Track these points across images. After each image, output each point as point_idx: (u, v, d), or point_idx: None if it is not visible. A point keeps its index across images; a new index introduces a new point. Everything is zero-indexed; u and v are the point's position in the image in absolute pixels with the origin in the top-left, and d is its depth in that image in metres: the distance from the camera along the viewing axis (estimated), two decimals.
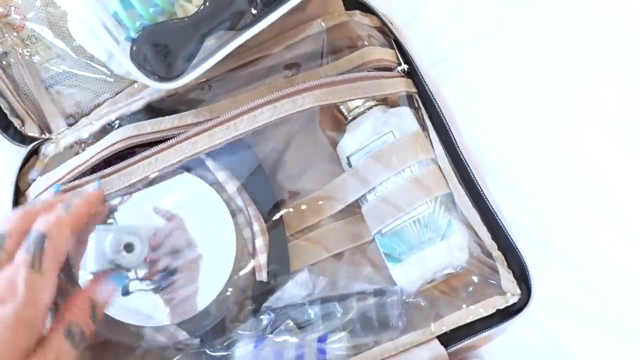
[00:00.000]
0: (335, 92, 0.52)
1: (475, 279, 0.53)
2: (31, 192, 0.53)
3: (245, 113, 0.51)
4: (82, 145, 0.55)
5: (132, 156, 0.53)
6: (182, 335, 0.53)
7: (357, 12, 0.57)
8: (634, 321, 0.55)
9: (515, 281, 0.50)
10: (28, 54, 0.58)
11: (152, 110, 0.56)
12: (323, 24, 0.56)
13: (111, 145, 0.52)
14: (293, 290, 0.54)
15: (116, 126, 0.56)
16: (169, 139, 0.52)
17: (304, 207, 0.57)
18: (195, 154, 0.51)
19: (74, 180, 0.52)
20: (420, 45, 0.58)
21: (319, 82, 0.52)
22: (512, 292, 0.50)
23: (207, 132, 0.51)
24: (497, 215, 0.51)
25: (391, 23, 0.57)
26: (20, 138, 0.58)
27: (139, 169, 0.52)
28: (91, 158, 0.52)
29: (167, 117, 0.53)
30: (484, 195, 0.51)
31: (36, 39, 0.57)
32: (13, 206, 0.53)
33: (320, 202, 0.56)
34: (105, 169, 0.52)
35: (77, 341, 0.41)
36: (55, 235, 0.42)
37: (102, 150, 0.52)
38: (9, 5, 0.56)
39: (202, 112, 0.53)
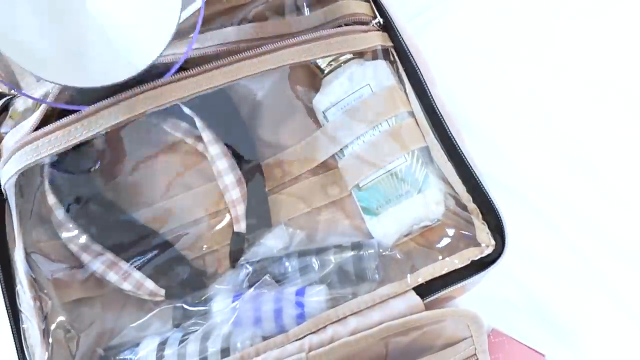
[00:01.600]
0: (309, 50, 0.51)
1: (450, 231, 0.54)
2: (5, 145, 0.51)
3: (218, 68, 0.49)
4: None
5: None
6: (150, 284, 0.54)
7: None
8: (607, 273, 0.56)
9: (489, 232, 0.51)
10: None
11: None
12: None
13: None
14: (270, 243, 0.54)
15: None
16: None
17: (281, 161, 0.57)
18: (171, 102, 0.49)
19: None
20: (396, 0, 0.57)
21: (292, 41, 0.51)
22: (486, 244, 0.51)
23: (177, 82, 0.49)
24: (472, 168, 0.51)
25: None
26: None
27: (104, 117, 0.48)
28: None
29: None
30: (459, 148, 0.51)
31: None
32: None
33: (298, 157, 0.57)
34: None
35: None
36: None
37: None
38: None
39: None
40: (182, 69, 0.49)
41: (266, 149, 0.58)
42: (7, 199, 0.52)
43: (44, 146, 0.48)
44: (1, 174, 0.51)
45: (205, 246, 0.57)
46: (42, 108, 0.49)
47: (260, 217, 0.55)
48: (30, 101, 0.53)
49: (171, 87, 0.48)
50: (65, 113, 0.49)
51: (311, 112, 0.57)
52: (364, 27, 0.54)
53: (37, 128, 0.49)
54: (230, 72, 0.49)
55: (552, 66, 0.57)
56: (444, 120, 0.52)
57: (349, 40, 0.52)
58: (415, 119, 0.54)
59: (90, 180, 0.55)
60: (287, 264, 0.53)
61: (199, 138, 0.56)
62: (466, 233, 0.53)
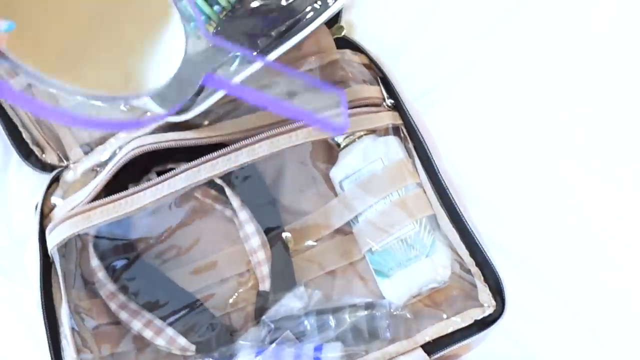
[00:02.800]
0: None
1: (455, 292, 0.59)
2: (55, 215, 0.57)
3: (245, 147, 0.56)
4: (99, 169, 0.60)
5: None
6: (182, 340, 0.58)
7: (348, 51, 0.63)
8: (602, 333, 0.59)
9: (490, 294, 0.56)
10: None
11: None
12: (317, 61, 0.62)
13: (128, 152, 0.56)
14: (290, 303, 0.59)
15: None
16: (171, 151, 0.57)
17: (300, 228, 0.62)
18: (199, 182, 0.55)
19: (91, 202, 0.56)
20: (404, 81, 0.63)
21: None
22: (488, 304, 0.56)
23: (209, 162, 0.55)
24: (475, 235, 0.56)
25: (378, 60, 0.62)
26: (41, 165, 0.62)
27: (147, 195, 0.55)
28: (107, 173, 0.56)
29: (190, 131, 0.58)
30: (463, 216, 0.57)
31: None
32: (39, 229, 0.57)
33: (316, 224, 0.62)
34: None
35: None
36: None
37: (117, 162, 0.56)
38: None
39: (205, 130, 0.58)
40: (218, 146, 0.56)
41: (287, 214, 0.63)
42: (53, 261, 0.58)
43: (96, 216, 0.54)
44: (49, 239, 0.57)
45: (232, 304, 0.61)
46: (97, 185, 0.56)
47: (284, 277, 0.60)
48: (79, 173, 0.60)
49: (208, 165, 0.55)
50: (112, 190, 0.56)
51: (329, 182, 0.63)
52: (375, 109, 0.60)
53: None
54: (258, 149, 0.56)
55: (548, 140, 0.62)
56: (448, 190, 0.58)
57: (363, 120, 0.59)
58: (423, 190, 0.60)
59: (129, 244, 0.61)
60: (306, 322, 0.58)
61: (227, 204, 0.62)
62: (470, 294, 0.58)
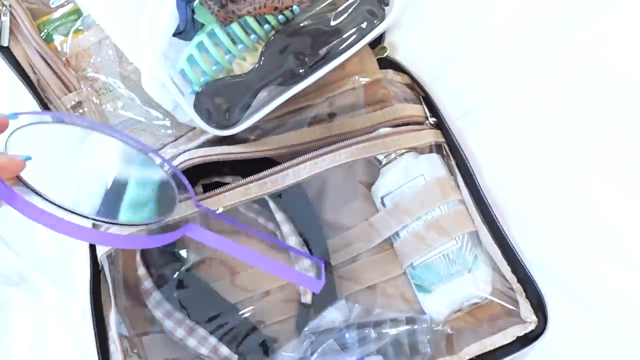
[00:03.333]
0: (371, 147, 0.59)
1: (497, 309, 0.60)
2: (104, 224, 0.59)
3: (291, 167, 0.58)
4: None
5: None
6: (224, 350, 0.59)
7: (390, 70, 0.65)
8: None
9: (532, 310, 0.57)
10: (100, 102, 0.65)
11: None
12: (360, 80, 0.64)
13: (180, 164, 0.57)
14: (332, 316, 0.60)
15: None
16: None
17: (342, 242, 0.64)
18: (245, 200, 0.58)
19: None
20: (447, 100, 0.64)
21: (359, 139, 0.59)
22: (530, 321, 0.56)
23: (257, 182, 0.58)
24: (516, 251, 0.57)
25: (421, 80, 0.64)
26: None
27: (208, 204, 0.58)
28: None
29: (238, 145, 0.59)
30: (505, 233, 0.58)
31: (107, 89, 0.65)
32: (90, 250, 0.59)
33: (357, 239, 0.63)
34: None
35: None
36: None
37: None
38: (87, 61, 0.64)
39: (251, 145, 0.60)
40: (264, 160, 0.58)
41: (329, 228, 0.65)
42: (102, 268, 0.59)
43: None
44: (99, 246, 0.58)
45: (273, 316, 0.63)
46: None
47: (326, 290, 0.61)
48: None
49: (256, 185, 0.58)
50: None
51: (369, 198, 0.64)
52: (418, 127, 0.62)
53: None
54: (302, 171, 0.58)
55: (588, 160, 0.62)
56: (490, 207, 0.59)
57: (406, 139, 0.60)
58: (465, 206, 0.61)
59: (175, 254, 0.63)
60: (347, 335, 0.59)
61: (271, 217, 0.63)
62: (511, 310, 0.58)
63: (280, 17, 0.57)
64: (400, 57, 0.66)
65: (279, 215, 0.62)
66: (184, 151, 0.60)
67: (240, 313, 0.61)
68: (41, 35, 0.64)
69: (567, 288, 0.60)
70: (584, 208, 0.62)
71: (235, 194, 0.57)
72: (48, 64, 0.63)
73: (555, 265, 0.60)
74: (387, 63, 0.65)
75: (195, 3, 0.57)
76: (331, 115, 0.64)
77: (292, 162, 0.58)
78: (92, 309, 0.57)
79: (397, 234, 0.61)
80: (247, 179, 0.57)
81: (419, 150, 0.62)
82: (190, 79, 0.57)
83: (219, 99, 0.57)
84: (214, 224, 0.64)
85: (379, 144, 0.59)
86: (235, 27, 0.57)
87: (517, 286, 0.57)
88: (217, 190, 0.57)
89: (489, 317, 0.60)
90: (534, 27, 0.64)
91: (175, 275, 0.61)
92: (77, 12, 0.64)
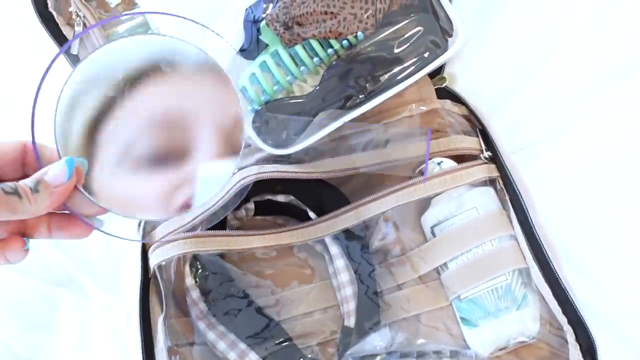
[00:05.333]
0: (430, 187, 0.61)
1: (545, 350, 0.58)
2: (157, 233, 0.60)
3: (355, 208, 0.62)
4: None
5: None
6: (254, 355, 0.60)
7: (448, 101, 0.65)
8: None
9: (582, 355, 0.55)
10: None
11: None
12: (418, 108, 0.64)
13: (236, 183, 0.58)
14: (374, 341, 0.60)
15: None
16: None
17: (389, 268, 0.64)
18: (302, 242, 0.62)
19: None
20: (503, 134, 0.64)
21: (409, 183, 0.61)
22: None
23: (313, 226, 0.62)
24: (568, 292, 0.56)
25: (478, 112, 0.64)
26: None
27: (256, 242, 0.61)
28: (216, 203, 0.58)
29: (292, 165, 0.60)
30: (556, 272, 0.57)
31: None
32: (141, 258, 0.61)
33: (405, 266, 0.63)
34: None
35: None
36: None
37: (226, 193, 0.58)
38: None
39: (305, 166, 0.60)
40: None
41: (378, 253, 0.65)
42: (152, 276, 0.60)
43: (209, 244, 0.59)
44: (153, 256, 0.59)
45: (316, 337, 0.63)
46: (204, 213, 0.59)
47: (370, 315, 0.61)
48: None
49: (311, 229, 0.62)
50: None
51: (418, 227, 0.64)
52: (471, 163, 0.62)
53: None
54: (364, 211, 0.62)
55: None
56: (542, 244, 0.58)
57: (461, 176, 0.61)
58: (517, 242, 0.60)
59: (223, 266, 0.63)
60: None
61: (320, 239, 0.63)
62: (560, 353, 0.57)
63: (344, 42, 0.57)
64: (459, 89, 0.66)
65: (328, 237, 0.62)
66: (240, 168, 0.61)
67: (282, 331, 0.61)
68: None
69: (619, 334, 0.59)
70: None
71: (295, 235, 0.62)
72: None
73: (608, 309, 0.59)
74: (445, 93, 0.65)
75: (262, 24, 0.58)
76: (386, 142, 0.64)
77: (359, 202, 0.62)
78: (140, 317, 0.58)
79: (445, 265, 0.61)
80: (305, 224, 0.62)
81: (472, 182, 0.62)
82: (251, 97, 0.58)
83: (277, 117, 0.57)
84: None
85: (437, 183, 0.60)
86: (299, 49, 0.58)
87: (567, 328, 0.56)
88: (278, 230, 0.62)
89: (535, 358, 0.59)
90: (596, 66, 0.64)
91: (220, 288, 0.61)
92: (144, 26, 0.66)
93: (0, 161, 0.40)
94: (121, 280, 0.63)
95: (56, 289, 0.68)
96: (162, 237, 0.59)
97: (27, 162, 0.42)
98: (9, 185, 0.37)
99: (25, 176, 0.39)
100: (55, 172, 0.39)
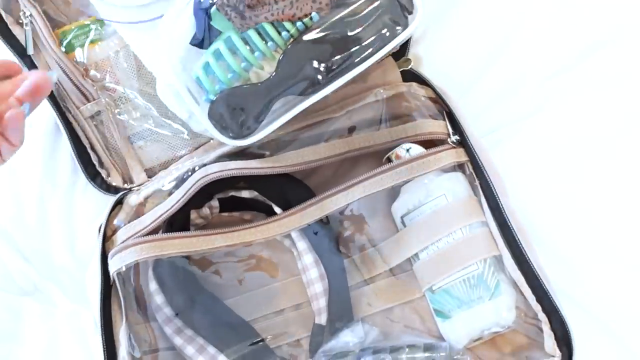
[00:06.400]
0: (395, 175, 0.58)
1: (520, 338, 0.56)
2: (117, 238, 0.58)
3: (322, 200, 0.59)
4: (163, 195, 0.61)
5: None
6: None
7: (414, 84, 0.62)
8: None
9: (557, 343, 0.53)
10: (118, 112, 0.64)
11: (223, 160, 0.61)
12: (383, 92, 0.61)
13: (196, 182, 0.57)
14: (346, 338, 0.58)
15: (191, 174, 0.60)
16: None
17: (359, 262, 0.61)
18: (267, 238, 0.58)
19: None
20: (472, 117, 0.62)
21: (382, 169, 0.58)
22: (552, 353, 0.53)
23: (278, 221, 0.59)
24: (542, 279, 0.54)
25: (445, 95, 0.61)
26: (106, 187, 0.64)
27: (219, 240, 0.58)
28: (175, 203, 0.57)
29: (254, 160, 0.58)
30: (529, 259, 0.54)
31: (126, 99, 0.64)
32: (101, 250, 0.58)
33: (375, 258, 0.61)
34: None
35: None
36: None
37: (185, 193, 0.57)
38: (105, 71, 0.64)
39: (268, 161, 0.58)
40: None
41: (344, 245, 0.63)
42: (113, 284, 0.58)
43: (168, 247, 0.56)
44: (112, 262, 0.57)
45: (287, 336, 0.61)
46: (164, 214, 0.57)
47: (341, 311, 0.59)
48: (142, 196, 0.60)
49: (276, 225, 0.59)
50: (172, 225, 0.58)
51: (389, 216, 0.62)
52: (438, 149, 0.59)
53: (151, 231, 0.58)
54: (329, 203, 0.59)
55: (621, 184, 0.59)
56: (514, 231, 0.55)
57: (429, 162, 0.58)
58: (489, 229, 0.57)
59: (188, 270, 0.61)
60: (362, 359, 0.56)
61: (287, 234, 0.61)
62: (534, 341, 0.55)
63: (299, 24, 0.55)
64: (426, 71, 0.63)
65: (295, 232, 0.60)
66: (201, 165, 0.59)
67: (252, 331, 0.60)
68: (62, 44, 0.63)
69: (595, 320, 0.57)
70: (615, 235, 0.58)
71: (259, 231, 0.58)
72: (67, 74, 0.63)
73: (583, 296, 0.57)
74: (410, 76, 0.62)
75: (212, 9, 0.55)
76: (351, 129, 0.62)
77: (325, 194, 0.58)
78: (101, 325, 0.56)
79: (416, 255, 0.59)
80: (270, 219, 0.59)
81: (441, 168, 0.59)
82: (206, 87, 0.55)
83: (234, 107, 0.55)
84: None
85: (404, 171, 0.57)
86: (252, 34, 0.55)
87: (541, 316, 0.54)
88: (241, 227, 0.58)
89: (511, 348, 0.56)
90: (564, 46, 0.62)
91: (186, 291, 0.59)
92: (97, 22, 0.64)
93: None
94: (87, 287, 0.61)
95: (20, 298, 0.65)
96: (121, 242, 0.57)
97: None
98: None
99: None
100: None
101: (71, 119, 0.64)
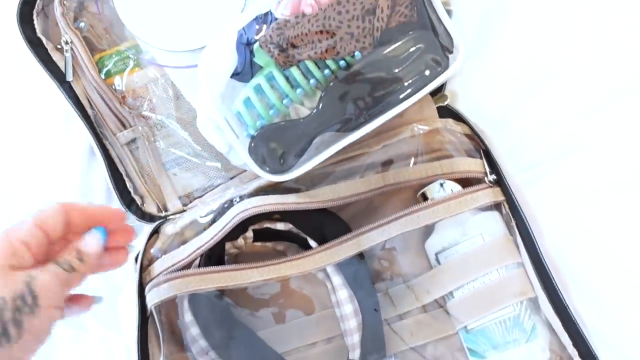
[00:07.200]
0: (433, 214, 0.58)
1: None
2: (154, 269, 0.58)
3: (356, 236, 0.59)
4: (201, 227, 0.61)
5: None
6: None
7: (450, 120, 0.62)
8: None
9: None
10: (153, 139, 0.65)
11: (260, 194, 0.62)
12: (419, 128, 0.62)
13: (234, 217, 0.57)
14: None
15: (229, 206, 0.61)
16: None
17: (393, 297, 0.62)
18: (302, 272, 0.59)
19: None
20: (508, 152, 0.62)
21: (420, 206, 0.58)
22: None
23: (313, 256, 0.59)
24: (578, 323, 0.54)
25: (481, 132, 0.62)
26: (141, 214, 0.65)
27: (255, 275, 0.58)
28: (213, 237, 0.57)
29: (291, 195, 0.59)
30: (565, 302, 0.55)
31: (162, 126, 0.65)
32: (138, 282, 0.59)
33: (409, 294, 0.61)
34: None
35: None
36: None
37: (224, 227, 0.57)
38: (143, 98, 0.64)
39: (304, 196, 0.58)
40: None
41: (376, 279, 0.63)
42: (150, 315, 0.58)
43: (205, 282, 0.56)
44: (150, 295, 0.58)
45: None
46: (201, 247, 0.58)
47: (375, 347, 0.59)
48: (178, 226, 0.61)
49: (311, 259, 0.59)
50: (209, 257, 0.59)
51: (422, 252, 0.62)
52: (474, 188, 0.59)
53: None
54: (365, 240, 0.59)
55: None
56: (550, 273, 0.56)
57: (466, 201, 0.58)
58: (525, 270, 0.58)
59: (221, 301, 0.61)
60: None
61: (322, 267, 0.61)
62: None
63: (342, 62, 0.55)
64: (461, 107, 0.64)
65: (330, 267, 0.60)
66: (236, 197, 0.60)
67: None
68: (101, 70, 0.64)
69: None
70: None
71: (294, 266, 0.59)
72: (105, 101, 0.63)
73: (620, 340, 0.57)
74: (447, 112, 0.63)
75: (255, 46, 0.56)
76: (387, 163, 0.62)
77: (361, 230, 0.59)
78: (139, 357, 0.56)
79: (451, 293, 0.59)
80: (304, 253, 0.59)
81: (478, 207, 0.60)
82: (246, 122, 0.56)
83: (274, 143, 0.55)
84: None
85: (441, 209, 0.58)
86: (294, 71, 0.56)
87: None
88: (278, 261, 0.58)
89: None
90: (602, 82, 0.62)
91: (222, 323, 0.59)
92: (136, 48, 0.64)
93: (49, 227, 0.46)
94: (119, 314, 0.62)
95: None
96: (159, 274, 0.57)
97: (70, 220, 0.48)
98: (66, 262, 0.46)
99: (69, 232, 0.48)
100: (90, 242, 0.48)
101: (108, 146, 0.65)
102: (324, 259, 0.59)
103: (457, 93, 0.65)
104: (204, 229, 0.59)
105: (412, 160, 0.61)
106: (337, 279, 0.60)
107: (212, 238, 0.57)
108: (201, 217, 0.60)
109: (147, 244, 0.60)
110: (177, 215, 0.64)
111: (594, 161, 0.61)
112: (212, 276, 0.57)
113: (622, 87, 0.61)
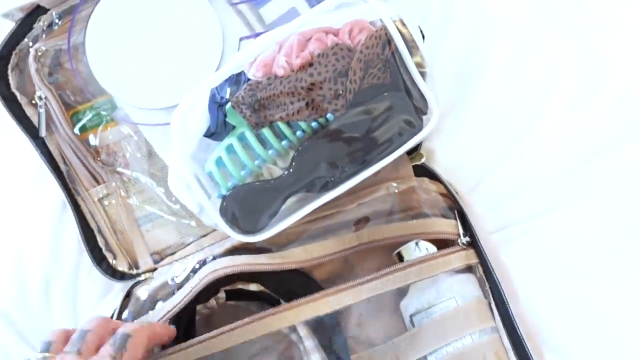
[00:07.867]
0: (405, 277, 0.57)
1: None
2: None
3: (326, 296, 0.57)
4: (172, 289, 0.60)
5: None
6: None
7: (426, 179, 0.62)
8: None
9: None
10: (127, 195, 0.64)
11: (233, 253, 0.61)
12: (394, 187, 0.61)
13: (203, 278, 0.56)
14: None
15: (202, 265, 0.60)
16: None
17: (366, 359, 0.60)
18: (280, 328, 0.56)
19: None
20: (483, 211, 0.62)
21: (392, 269, 0.57)
22: None
23: (289, 310, 0.56)
24: None
25: (457, 192, 0.61)
26: (112, 272, 0.63)
27: (236, 334, 0.56)
28: (182, 300, 0.56)
29: (262, 255, 0.58)
30: None
31: (135, 182, 0.64)
32: None
33: (383, 357, 0.60)
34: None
35: None
36: (137, 337, 0.48)
37: (192, 289, 0.56)
38: (116, 154, 0.64)
39: (276, 257, 0.57)
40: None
41: (353, 342, 0.62)
42: None
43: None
44: None
45: None
46: (171, 310, 0.56)
47: None
48: (150, 288, 0.60)
49: (289, 313, 0.56)
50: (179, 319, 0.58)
51: (397, 313, 0.61)
52: (447, 251, 0.59)
53: None
54: (335, 301, 0.57)
55: (637, 286, 0.59)
56: (524, 340, 0.55)
57: (437, 265, 0.57)
58: (499, 335, 0.57)
59: None
60: None
61: (293, 328, 0.60)
62: None
63: (314, 123, 0.55)
64: (438, 165, 0.64)
65: (303, 330, 0.59)
66: (210, 256, 0.59)
67: None
68: (75, 125, 0.63)
69: None
70: (631, 343, 0.57)
71: (270, 322, 0.56)
72: (78, 157, 0.63)
73: None
74: (422, 170, 0.63)
75: (227, 106, 0.55)
76: (361, 221, 0.61)
77: (332, 290, 0.57)
78: None
79: (425, 357, 0.58)
80: (280, 307, 0.56)
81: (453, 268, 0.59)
82: (218, 182, 0.55)
83: (246, 204, 0.55)
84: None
85: (413, 272, 0.57)
86: (266, 131, 0.55)
87: None
88: (252, 318, 0.56)
89: None
90: (578, 144, 0.62)
91: None
92: (110, 103, 0.64)
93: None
94: None
95: None
96: None
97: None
98: None
99: None
100: None
101: (80, 202, 0.64)
102: (292, 316, 0.56)
103: (434, 151, 0.65)
104: (175, 291, 0.58)
105: (387, 218, 0.61)
106: (309, 343, 0.58)
107: (180, 301, 0.56)
108: (172, 278, 0.60)
109: (120, 310, 0.59)
110: (148, 275, 0.63)
111: (570, 222, 0.61)
112: (197, 348, 0.55)
113: (597, 148, 0.61)
